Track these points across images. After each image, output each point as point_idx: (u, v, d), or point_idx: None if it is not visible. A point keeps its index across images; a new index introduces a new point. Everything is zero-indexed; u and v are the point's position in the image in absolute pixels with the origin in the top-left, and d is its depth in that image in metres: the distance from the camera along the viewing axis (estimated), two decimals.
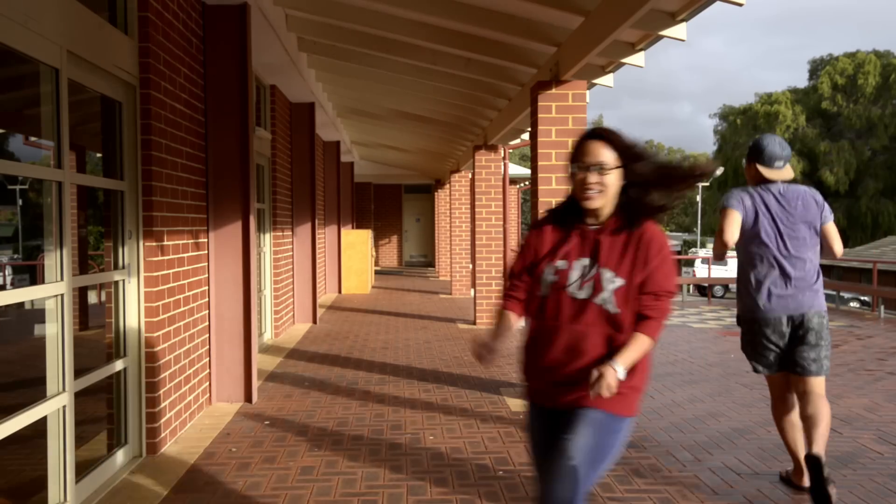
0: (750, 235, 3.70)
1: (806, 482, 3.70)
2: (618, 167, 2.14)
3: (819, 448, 3.41)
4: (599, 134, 2.16)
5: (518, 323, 2.36)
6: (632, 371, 2.16)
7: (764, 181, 3.76)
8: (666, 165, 2.17)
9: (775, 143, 3.77)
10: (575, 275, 2.16)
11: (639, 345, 2.12)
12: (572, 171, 2.19)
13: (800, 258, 3.64)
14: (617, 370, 2.06)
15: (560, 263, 2.19)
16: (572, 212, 2.23)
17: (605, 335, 2.14)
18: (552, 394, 2.24)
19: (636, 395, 2.21)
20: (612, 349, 2.13)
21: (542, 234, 2.28)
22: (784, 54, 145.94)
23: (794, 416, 3.74)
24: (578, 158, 2.17)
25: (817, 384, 3.60)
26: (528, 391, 2.35)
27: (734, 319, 10.71)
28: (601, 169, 2.13)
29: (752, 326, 3.71)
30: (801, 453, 3.71)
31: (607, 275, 2.12)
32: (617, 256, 2.14)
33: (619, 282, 2.12)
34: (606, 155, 2.13)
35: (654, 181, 2.14)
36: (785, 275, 3.63)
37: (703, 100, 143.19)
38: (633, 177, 2.15)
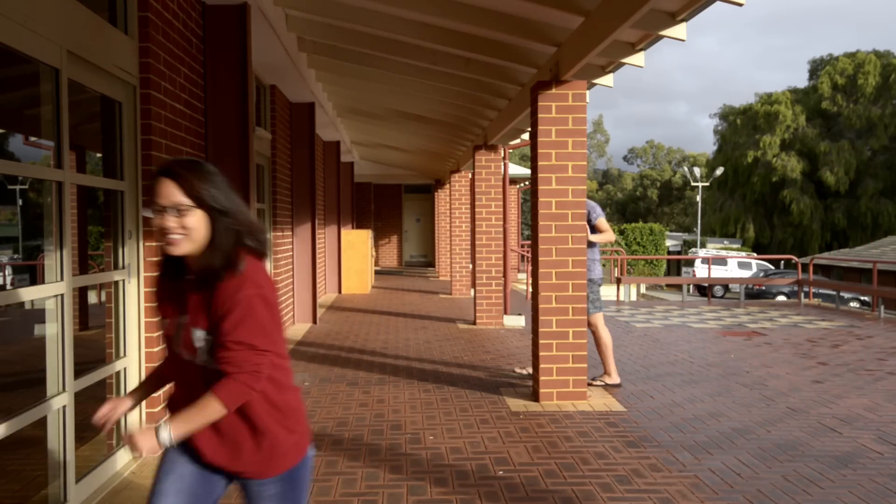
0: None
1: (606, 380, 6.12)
2: (199, 206, 1.82)
3: (614, 368, 6.12)
4: (172, 171, 1.83)
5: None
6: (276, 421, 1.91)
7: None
8: (243, 213, 1.91)
9: None
10: (177, 333, 1.92)
11: (201, 408, 1.79)
12: (150, 217, 1.85)
13: None
14: (161, 433, 1.77)
15: (165, 322, 1.96)
16: (179, 261, 1.92)
17: None
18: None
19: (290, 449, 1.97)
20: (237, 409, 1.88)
21: (159, 289, 2.00)
22: (780, 54, 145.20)
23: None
24: (153, 200, 1.83)
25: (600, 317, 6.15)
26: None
27: (734, 319, 10.75)
28: (178, 210, 1.81)
29: (598, 286, 6.09)
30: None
31: (195, 331, 1.86)
32: (198, 307, 1.86)
33: (202, 335, 1.85)
34: (184, 193, 1.81)
35: (240, 221, 1.89)
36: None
37: (698, 100, 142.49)
38: (216, 214, 1.84)
